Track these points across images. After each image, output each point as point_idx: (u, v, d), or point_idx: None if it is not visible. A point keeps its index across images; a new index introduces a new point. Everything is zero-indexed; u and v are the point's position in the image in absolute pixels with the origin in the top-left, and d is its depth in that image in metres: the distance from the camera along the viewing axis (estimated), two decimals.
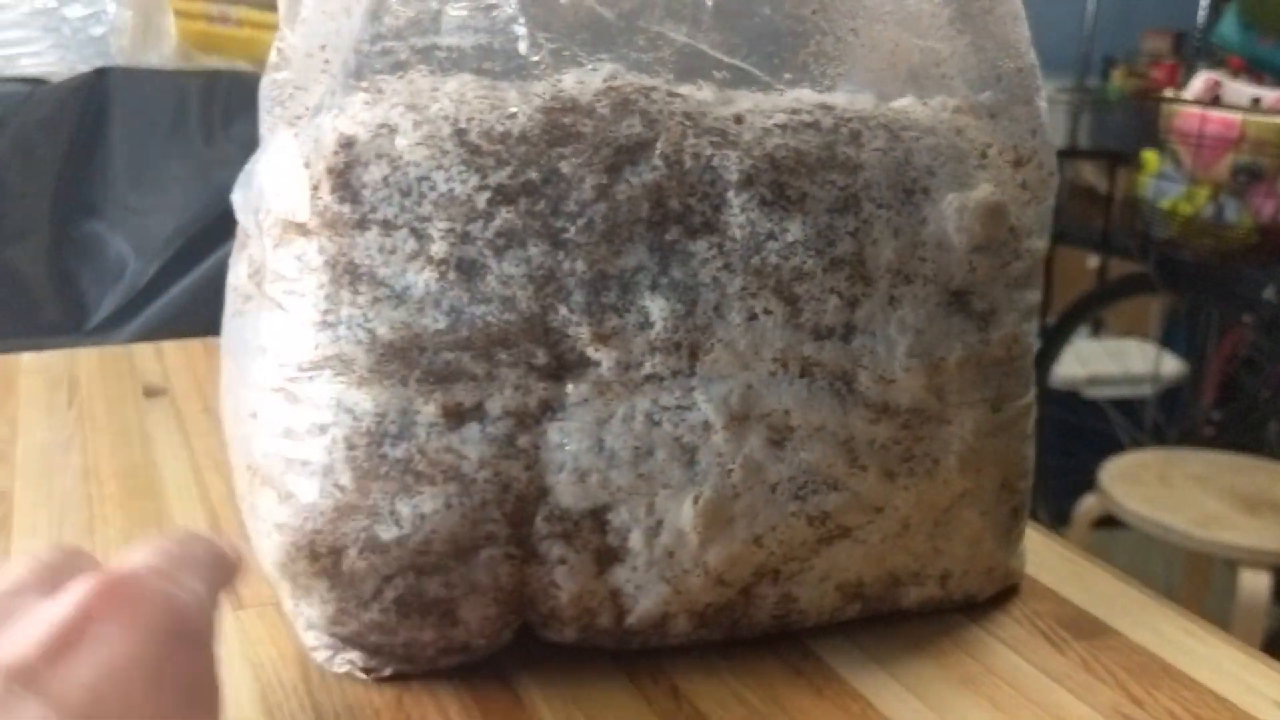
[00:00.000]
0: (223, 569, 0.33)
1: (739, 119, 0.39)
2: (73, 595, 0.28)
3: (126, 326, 1.14)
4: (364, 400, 0.36)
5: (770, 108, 0.39)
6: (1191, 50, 3.18)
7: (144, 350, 0.74)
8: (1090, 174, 3.01)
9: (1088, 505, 1.84)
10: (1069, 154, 3.02)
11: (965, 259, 0.40)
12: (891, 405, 0.39)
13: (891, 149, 0.39)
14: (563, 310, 0.36)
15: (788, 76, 0.40)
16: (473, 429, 0.36)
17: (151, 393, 0.66)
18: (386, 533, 0.37)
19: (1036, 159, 0.42)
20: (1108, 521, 1.81)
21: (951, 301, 0.40)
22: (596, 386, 0.37)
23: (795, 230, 0.38)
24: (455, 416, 0.36)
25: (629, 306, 0.37)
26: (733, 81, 0.40)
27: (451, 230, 0.36)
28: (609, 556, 0.38)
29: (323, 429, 0.37)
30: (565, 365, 0.37)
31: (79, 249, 1.17)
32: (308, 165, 0.36)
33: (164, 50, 1.25)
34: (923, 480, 0.40)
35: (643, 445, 0.37)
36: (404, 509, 0.37)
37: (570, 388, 0.37)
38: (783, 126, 0.39)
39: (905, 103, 0.42)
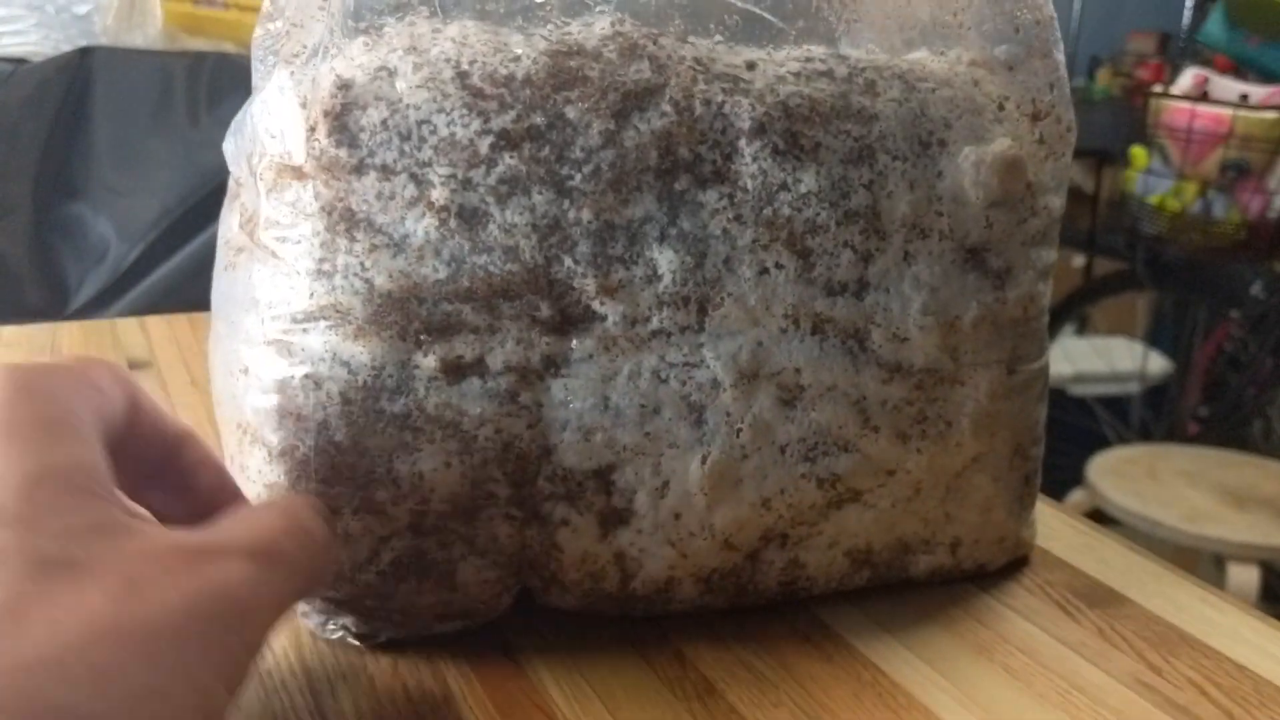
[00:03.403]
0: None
1: (751, 65, 0.37)
2: None
3: (109, 309, 1.13)
4: (361, 353, 0.35)
5: (783, 56, 0.38)
6: (1177, 50, 3.19)
7: (128, 325, 0.72)
8: (1075, 173, 3.02)
9: (1075, 500, 1.84)
10: None
11: (982, 214, 0.38)
12: (905, 365, 0.38)
13: (907, 100, 0.38)
14: (568, 261, 0.35)
15: (800, 24, 0.39)
16: (473, 384, 0.35)
17: (136, 365, 0.65)
18: (383, 492, 0.36)
19: (1055, 113, 0.41)
20: (1095, 516, 1.81)
21: (967, 259, 0.39)
22: (602, 342, 0.36)
23: (809, 181, 0.36)
24: (455, 371, 0.35)
25: (636, 258, 0.36)
26: (745, 28, 0.39)
27: (453, 176, 0.34)
28: (614, 518, 0.37)
29: (318, 383, 0.35)
30: (570, 319, 0.36)
31: (61, 230, 1.15)
32: (304, 106, 0.35)
33: (149, 31, 1.24)
34: (935, 443, 0.39)
35: (649, 403, 0.36)
36: (401, 467, 0.35)
37: (575, 342, 0.36)
38: (796, 74, 0.38)
39: (920, 55, 0.40)
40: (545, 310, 0.35)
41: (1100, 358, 2.44)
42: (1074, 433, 2.21)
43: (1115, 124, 2.78)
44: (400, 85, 0.35)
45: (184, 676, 0.25)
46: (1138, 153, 2.01)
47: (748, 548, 0.38)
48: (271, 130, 0.35)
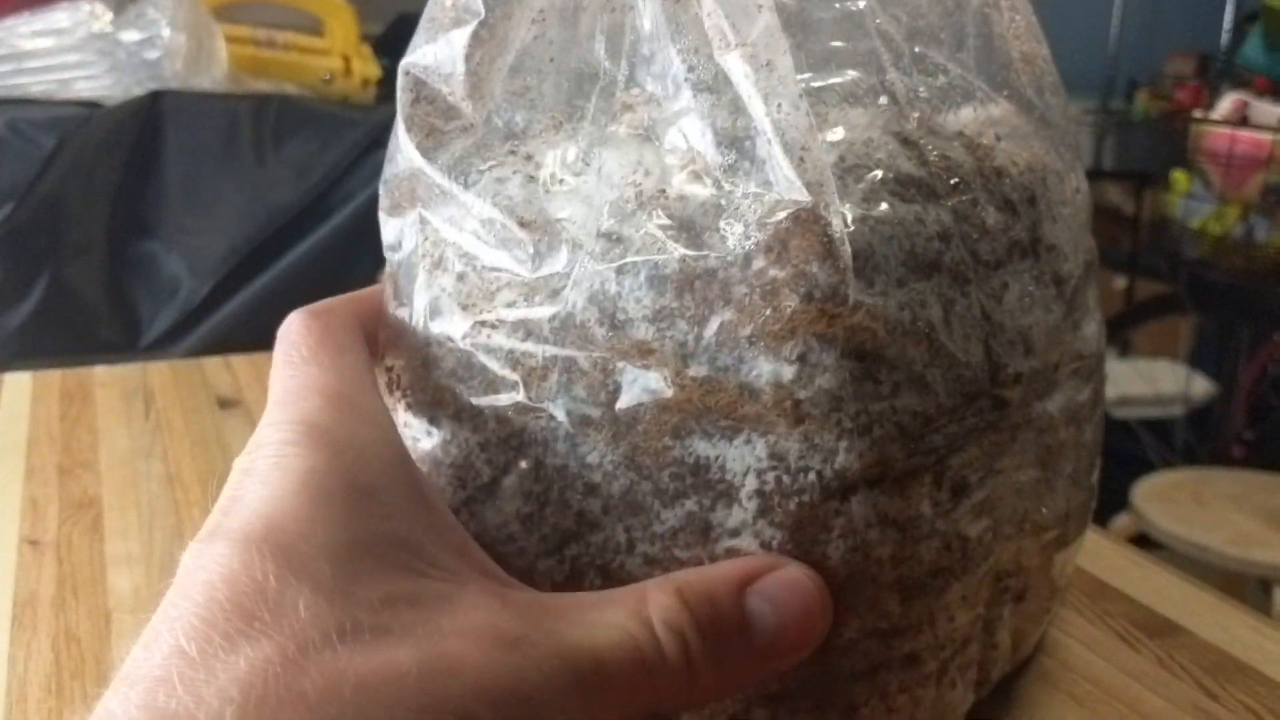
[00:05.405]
0: None
1: (998, 138, 0.38)
2: None
3: (180, 344, 1.16)
4: (904, 506, 0.32)
5: (973, 120, 0.39)
6: (1216, 72, 3.19)
7: (214, 363, 0.75)
8: (1116, 195, 3.02)
9: (1121, 525, 1.84)
10: (1094, 175, 3.03)
11: (1080, 264, 0.41)
12: (1089, 398, 0.41)
13: (1034, 150, 0.39)
14: (994, 354, 0.34)
15: (1005, 93, 0.40)
16: (965, 502, 0.34)
17: (225, 404, 0.68)
18: (927, 638, 0.35)
19: (1083, 184, 0.43)
20: (1140, 541, 1.81)
21: (1078, 306, 0.41)
22: (1011, 422, 0.35)
23: (1054, 234, 0.38)
24: (958, 493, 0.34)
25: (1017, 337, 0.35)
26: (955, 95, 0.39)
27: (931, 290, 0.33)
28: (1010, 597, 0.38)
29: (866, 553, 0.31)
30: (999, 408, 0.35)
31: (135, 268, 1.19)
32: (828, 253, 0.31)
33: (215, 74, 1.27)
34: (1085, 476, 0.41)
35: (1031, 468, 0.37)
36: (939, 612, 0.34)
37: (1004, 435, 0.35)
38: (999, 138, 0.38)
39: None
40: (988, 411, 0.34)
41: (1143, 380, 2.44)
42: (1117, 456, 2.21)
43: (1154, 146, 2.78)
44: (863, 208, 0.32)
45: None
46: (1179, 177, 2.02)
47: None
48: (783, 283, 0.31)
